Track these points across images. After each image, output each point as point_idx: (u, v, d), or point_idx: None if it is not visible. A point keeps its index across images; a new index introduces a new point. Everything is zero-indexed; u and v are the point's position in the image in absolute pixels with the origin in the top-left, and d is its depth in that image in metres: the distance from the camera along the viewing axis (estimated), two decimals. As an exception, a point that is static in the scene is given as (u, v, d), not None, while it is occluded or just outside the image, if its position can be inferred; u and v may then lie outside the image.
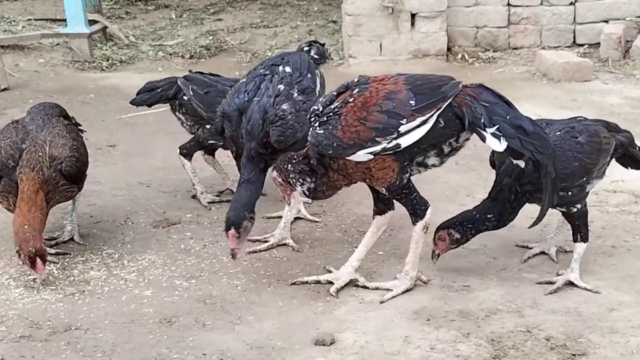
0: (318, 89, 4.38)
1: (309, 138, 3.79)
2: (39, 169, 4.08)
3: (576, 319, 3.66)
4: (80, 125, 4.85)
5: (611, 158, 4.12)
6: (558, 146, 3.83)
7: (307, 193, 3.90)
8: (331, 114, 3.75)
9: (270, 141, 4.10)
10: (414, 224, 3.91)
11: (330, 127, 3.71)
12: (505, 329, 3.59)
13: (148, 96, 5.05)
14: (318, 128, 3.74)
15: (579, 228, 4.01)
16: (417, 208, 3.88)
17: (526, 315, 3.70)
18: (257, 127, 4.11)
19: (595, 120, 4.27)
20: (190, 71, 5.19)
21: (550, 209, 3.82)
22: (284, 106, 4.14)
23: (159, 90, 4.99)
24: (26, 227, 3.97)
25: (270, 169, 4.12)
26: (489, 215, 3.96)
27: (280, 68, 4.33)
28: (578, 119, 4.15)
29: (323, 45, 4.85)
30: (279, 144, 4.09)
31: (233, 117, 4.21)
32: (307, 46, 4.77)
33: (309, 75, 4.35)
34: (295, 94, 4.22)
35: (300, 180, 3.84)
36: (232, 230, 3.93)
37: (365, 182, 3.87)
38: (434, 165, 3.88)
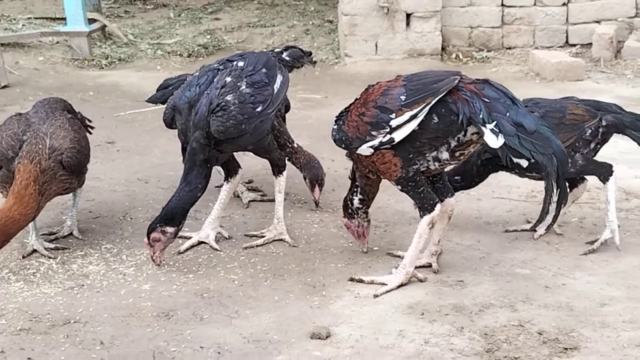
0: (276, 85, 4.32)
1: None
2: (37, 161, 4.06)
3: (568, 313, 3.67)
4: (89, 120, 4.87)
5: (602, 137, 4.24)
6: None
7: (362, 200, 4.11)
8: (344, 111, 4.00)
9: (212, 131, 4.10)
10: (421, 217, 3.91)
11: (342, 122, 3.97)
12: (498, 323, 3.59)
13: (161, 94, 5.02)
14: (335, 124, 3.99)
15: (594, 172, 4.27)
16: (425, 202, 3.88)
17: (519, 310, 3.70)
18: (202, 118, 4.12)
19: (582, 100, 4.37)
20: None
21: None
22: (228, 97, 4.14)
23: (170, 88, 4.95)
24: None
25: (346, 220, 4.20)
26: (455, 177, 4.35)
27: (235, 63, 4.33)
28: (567, 97, 4.27)
29: (303, 51, 4.81)
30: (219, 134, 4.10)
31: (183, 110, 4.21)
32: (282, 49, 4.76)
33: (264, 71, 4.30)
34: (243, 87, 4.20)
35: (353, 197, 4.11)
36: (145, 239, 4.10)
37: (380, 176, 3.98)
38: (447, 160, 3.86)
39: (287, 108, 5.05)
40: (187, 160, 4.19)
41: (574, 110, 4.22)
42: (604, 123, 4.23)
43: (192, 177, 4.16)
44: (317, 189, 4.76)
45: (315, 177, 4.75)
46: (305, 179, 4.79)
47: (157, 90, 5.10)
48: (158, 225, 4.07)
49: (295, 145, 4.83)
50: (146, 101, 5.24)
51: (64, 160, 4.13)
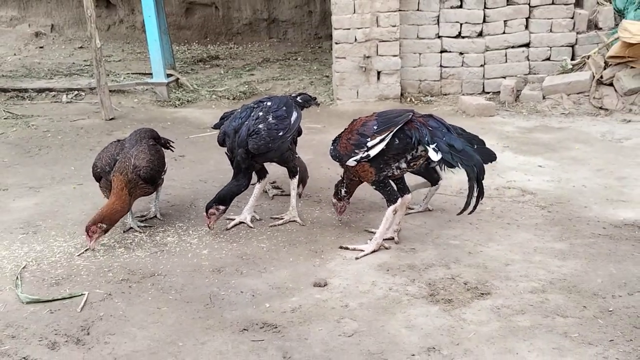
0: (293, 118, 4.30)
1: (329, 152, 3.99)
2: (125, 174, 4.04)
3: (484, 270, 3.66)
4: (172, 142, 4.86)
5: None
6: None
7: (347, 192, 4.10)
8: (338, 137, 3.98)
9: (249, 148, 4.10)
10: (387, 206, 3.90)
11: (336, 144, 3.95)
12: (438, 277, 3.59)
13: (221, 122, 4.96)
14: (332, 145, 3.97)
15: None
16: (391, 196, 3.89)
17: (452, 268, 3.70)
18: (243, 140, 4.10)
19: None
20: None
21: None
22: (260, 125, 4.13)
23: (225, 119, 4.90)
24: (99, 210, 3.91)
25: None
26: None
27: (265, 103, 4.31)
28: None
29: (310, 96, 4.76)
30: (254, 150, 4.10)
31: (231, 134, 4.20)
32: (295, 94, 4.73)
33: (284, 108, 4.27)
34: (270, 119, 4.17)
35: (342, 188, 4.08)
36: (204, 214, 4.11)
37: (361, 180, 3.96)
38: (405, 169, 3.85)
39: (300, 133, 5.02)
40: (235, 167, 4.20)
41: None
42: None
43: (239, 177, 4.18)
44: (300, 185, 4.69)
45: (300, 177, 4.66)
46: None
47: (219, 120, 5.06)
48: (214, 204, 4.09)
49: (297, 156, 4.71)
50: (212, 127, 5.19)
51: (141, 174, 4.09)
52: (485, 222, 4.36)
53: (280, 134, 4.17)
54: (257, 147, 4.10)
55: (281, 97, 4.44)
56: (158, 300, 3.41)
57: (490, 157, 3.97)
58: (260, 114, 4.21)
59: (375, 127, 3.78)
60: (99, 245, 3.99)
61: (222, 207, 4.14)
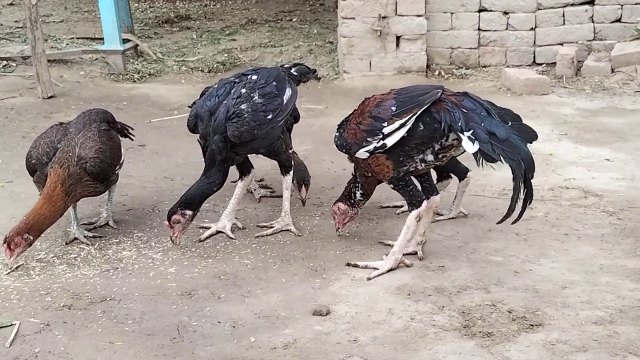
0: (286, 96, 4.28)
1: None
2: (66, 167, 4.03)
3: (534, 295, 3.66)
4: (132, 128, 4.87)
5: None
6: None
7: (363, 194, 4.11)
8: (345, 120, 3.99)
9: (228, 135, 4.08)
10: (409, 211, 3.91)
11: (342, 130, 3.96)
12: (474, 303, 3.59)
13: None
14: (337, 132, 3.98)
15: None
16: (414, 199, 3.89)
17: (492, 291, 3.70)
18: (220, 124, 4.10)
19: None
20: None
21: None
22: (242, 106, 4.12)
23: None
24: (24, 217, 3.92)
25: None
26: None
27: (249, 77, 4.29)
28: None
29: (309, 68, 4.74)
30: (234, 138, 4.09)
31: (204, 117, 4.19)
32: (290, 65, 4.70)
33: (274, 84, 4.25)
34: (256, 97, 4.17)
35: (356, 190, 4.10)
36: (166, 222, 4.11)
37: (375, 176, 3.96)
38: (432, 162, 3.85)
39: (296, 119, 5.00)
40: (207, 160, 4.20)
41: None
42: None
43: (211, 173, 4.18)
44: (303, 188, 4.63)
45: (301, 178, 4.63)
46: (293, 180, 4.61)
47: (200, 97, 5.03)
48: (178, 208, 4.09)
49: (290, 151, 4.68)
50: (188, 107, 5.17)
51: (88, 168, 4.08)
52: (536, 233, 4.36)
53: (269, 116, 4.17)
54: (239, 135, 4.10)
55: (271, 70, 4.43)
56: (111, 333, 3.40)
57: (530, 136, 3.86)
58: (243, 90, 4.20)
59: (393, 109, 3.77)
60: (18, 262, 3.97)
61: (189, 213, 4.13)
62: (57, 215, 4.03)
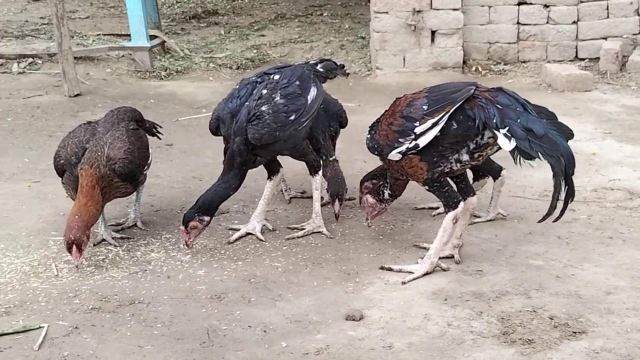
0: (311, 96, 4.24)
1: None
2: (96, 167, 4.07)
3: (577, 301, 3.64)
4: (160, 127, 4.93)
5: None
6: None
7: (391, 195, 4.14)
8: (376, 122, 4.01)
9: (249, 138, 4.09)
10: (445, 213, 3.91)
11: (374, 131, 3.98)
12: (513, 309, 3.58)
13: None
14: (368, 134, 4.00)
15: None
16: (450, 200, 3.88)
17: (532, 297, 3.68)
18: (241, 127, 4.12)
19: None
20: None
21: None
22: (263, 107, 4.12)
23: None
24: (76, 217, 3.93)
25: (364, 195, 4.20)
26: None
27: (271, 76, 4.28)
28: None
29: (336, 64, 4.67)
30: (255, 140, 4.10)
31: (226, 119, 4.20)
32: (315, 61, 4.61)
33: (297, 83, 4.22)
34: (278, 98, 4.15)
35: (383, 190, 4.13)
36: (182, 227, 4.12)
37: (409, 178, 3.98)
38: (467, 162, 3.84)
39: (342, 124, 4.90)
40: (226, 162, 4.22)
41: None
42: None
43: (229, 177, 4.19)
44: (337, 203, 4.48)
45: (335, 192, 4.49)
46: (327, 191, 4.57)
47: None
48: (196, 214, 4.11)
49: (331, 159, 4.60)
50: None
51: (117, 169, 4.12)
52: (578, 236, 4.33)
53: (292, 118, 4.16)
54: (259, 137, 4.10)
55: (294, 68, 4.38)
56: (140, 336, 3.45)
57: (566, 134, 3.82)
58: (265, 91, 4.19)
59: (425, 107, 3.76)
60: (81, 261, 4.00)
61: (206, 219, 4.15)
62: (98, 215, 4.10)
